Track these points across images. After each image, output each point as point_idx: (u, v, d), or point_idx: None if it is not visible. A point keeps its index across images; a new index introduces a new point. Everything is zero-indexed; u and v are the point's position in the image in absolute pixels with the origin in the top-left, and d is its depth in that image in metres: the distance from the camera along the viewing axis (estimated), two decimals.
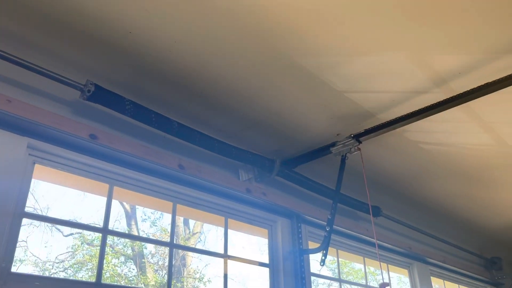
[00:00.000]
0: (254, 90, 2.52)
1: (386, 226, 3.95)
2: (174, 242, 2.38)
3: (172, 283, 2.24)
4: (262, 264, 2.86)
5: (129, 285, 6.94)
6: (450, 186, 3.90)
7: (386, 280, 3.84)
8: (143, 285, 7.77)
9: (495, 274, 5.51)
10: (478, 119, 2.87)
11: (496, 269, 5.52)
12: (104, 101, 2.15)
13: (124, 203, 9.07)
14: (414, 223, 4.20)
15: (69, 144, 2.09)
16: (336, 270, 3.32)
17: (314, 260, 3.26)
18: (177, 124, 2.40)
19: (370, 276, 4.42)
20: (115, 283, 6.53)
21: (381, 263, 3.89)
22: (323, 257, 2.83)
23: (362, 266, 3.75)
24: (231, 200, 2.72)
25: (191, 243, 10.28)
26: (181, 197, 2.49)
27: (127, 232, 8.44)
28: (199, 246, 10.07)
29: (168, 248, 2.36)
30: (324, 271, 3.27)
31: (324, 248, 2.82)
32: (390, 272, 3.94)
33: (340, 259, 3.51)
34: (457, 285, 4.89)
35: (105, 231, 2.09)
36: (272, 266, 2.85)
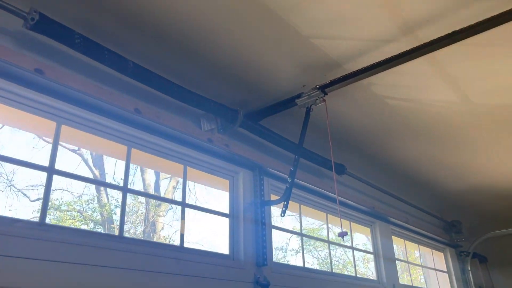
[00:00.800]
0: (219, 33, 2.40)
1: (350, 185, 3.97)
2: (129, 187, 2.28)
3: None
4: (221, 214, 2.81)
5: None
6: (413, 146, 3.92)
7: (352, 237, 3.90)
8: None
9: (454, 236, 5.69)
10: (443, 73, 2.84)
11: (455, 232, 5.70)
12: (50, 32, 1.99)
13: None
14: (378, 183, 4.24)
15: (13, 77, 1.93)
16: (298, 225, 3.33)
17: (276, 216, 3.24)
18: (133, 64, 2.26)
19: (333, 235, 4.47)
20: None
21: (344, 220, 3.93)
22: (283, 208, 2.80)
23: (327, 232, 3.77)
24: (192, 148, 2.64)
25: (161, 210, 10.20)
26: (137, 142, 2.38)
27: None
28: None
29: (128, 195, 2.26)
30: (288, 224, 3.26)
31: (285, 199, 2.80)
32: (353, 231, 3.99)
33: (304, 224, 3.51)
34: (417, 245, 5.02)
35: (51, 170, 1.98)
36: (232, 216, 2.81)
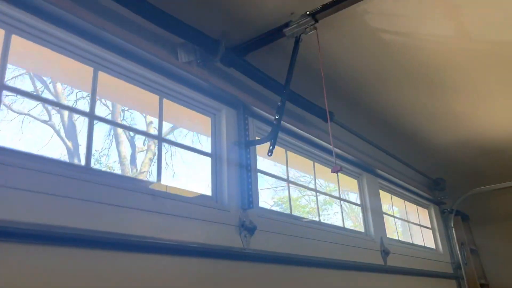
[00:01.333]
0: None
1: (336, 134, 3.76)
2: (96, 114, 1.99)
3: None
4: (203, 153, 2.56)
5: None
6: (404, 92, 3.73)
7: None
8: None
9: (438, 194, 5.63)
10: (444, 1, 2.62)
11: (439, 189, 5.64)
12: None
13: None
14: (365, 134, 4.05)
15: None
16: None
17: (261, 162, 3.02)
18: None
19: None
20: None
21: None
22: (271, 147, 2.57)
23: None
24: (168, 77, 2.35)
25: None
26: (105, 64, 2.08)
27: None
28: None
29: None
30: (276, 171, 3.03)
31: (272, 137, 2.56)
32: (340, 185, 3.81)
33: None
34: (403, 200, 4.92)
35: None
36: (215, 156, 2.56)
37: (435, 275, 4.67)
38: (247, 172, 2.60)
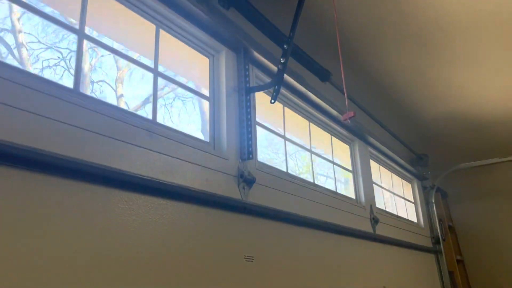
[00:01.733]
0: None
1: (331, 96, 3.60)
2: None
3: None
4: (201, 95, 2.33)
5: None
6: (401, 55, 3.59)
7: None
8: None
9: (421, 170, 5.60)
10: None
11: (421, 165, 5.61)
12: None
13: None
14: (358, 100, 3.90)
15: None
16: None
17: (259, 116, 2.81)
18: None
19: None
20: None
21: (325, 133, 3.58)
22: (274, 94, 2.37)
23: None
24: (167, 5, 2.09)
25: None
26: None
27: None
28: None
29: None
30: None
31: (276, 83, 2.36)
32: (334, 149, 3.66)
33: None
34: (390, 173, 4.85)
35: None
36: (213, 100, 2.34)
37: (418, 248, 4.65)
38: (247, 121, 2.39)
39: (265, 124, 2.76)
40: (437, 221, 5.42)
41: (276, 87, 2.34)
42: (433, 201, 5.55)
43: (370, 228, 3.68)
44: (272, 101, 2.37)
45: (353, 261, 3.25)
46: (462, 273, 5.85)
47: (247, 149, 2.34)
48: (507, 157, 5.17)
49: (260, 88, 2.48)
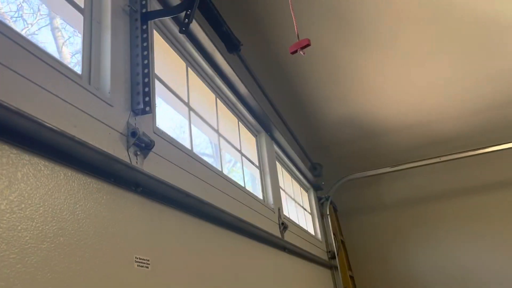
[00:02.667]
0: None
1: (240, 74, 2.99)
2: None
3: None
4: (73, 4, 1.48)
5: None
6: (318, 33, 3.20)
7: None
8: None
9: (315, 180, 5.30)
10: None
11: (315, 175, 5.31)
12: None
13: None
14: (266, 87, 3.37)
15: None
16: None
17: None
18: None
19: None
20: None
21: (232, 117, 2.93)
22: (186, 20, 1.64)
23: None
24: None
25: None
26: None
27: None
28: None
29: None
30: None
31: (188, 6, 1.64)
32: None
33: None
34: (291, 178, 4.38)
35: None
36: (90, 14, 1.51)
37: (319, 262, 4.21)
38: (144, 58, 1.60)
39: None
40: (332, 235, 5.12)
41: (189, 11, 1.62)
42: (328, 213, 5.26)
43: (279, 234, 3.08)
44: (183, 29, 1.63)
45: (266, 273, 2.59)
46: None
47: (143, 98, 1.55)
48: (397, 167, 5.15)
49: (163, 13, 1.72)
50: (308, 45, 1.53)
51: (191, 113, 2.23)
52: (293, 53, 1.59)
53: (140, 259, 1.35)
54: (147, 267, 1.38)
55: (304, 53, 1.53)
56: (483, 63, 3.88)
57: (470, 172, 5.52)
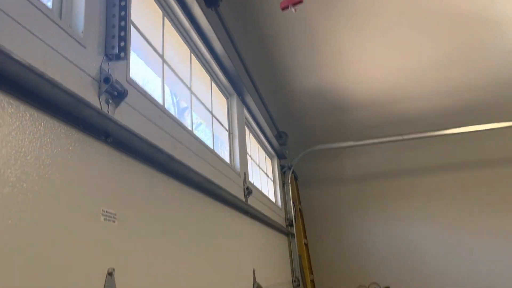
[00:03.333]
0: None
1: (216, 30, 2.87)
2: None
3: None
4: None
5: None
6: None
7: None
8: None
9: (280, 148, 5.31)
10: None
11: (281, 143, 5.32)
12: None
13: None
14: (240, 46, 3.26)
15: None
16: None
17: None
18: None
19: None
20: None
21: (206, 75, 2.82)
22: None
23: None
24: None
25: None
26: None
27: None
28: None
29: None
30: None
31: None
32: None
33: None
34: (257, 145, 4.36)
35: None
36: None
37: (276, 228, 4.27)
38: (121, 0, 1.48)
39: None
40: (291, 203, 5.20)
41: None
42: (289, 182, 5.32)
43: (243, 198, 3.07)
44: None
45: (228, 234, 2.58)
46: (307, 256, 5.78)
47: (118, 43, 1.43)
48: (360, 141, 5.24)
49: None
50: (300, 1, 1.46)
51: (164, 67, 2.12)
52: (283, 9, 1.51)
53: (107, 212, 1.28)
54: (114, 221, 1.31)
55: (295, 10, 1.45)
56: (455, 50, 3.94)
57: (428, 152, 5.73)
